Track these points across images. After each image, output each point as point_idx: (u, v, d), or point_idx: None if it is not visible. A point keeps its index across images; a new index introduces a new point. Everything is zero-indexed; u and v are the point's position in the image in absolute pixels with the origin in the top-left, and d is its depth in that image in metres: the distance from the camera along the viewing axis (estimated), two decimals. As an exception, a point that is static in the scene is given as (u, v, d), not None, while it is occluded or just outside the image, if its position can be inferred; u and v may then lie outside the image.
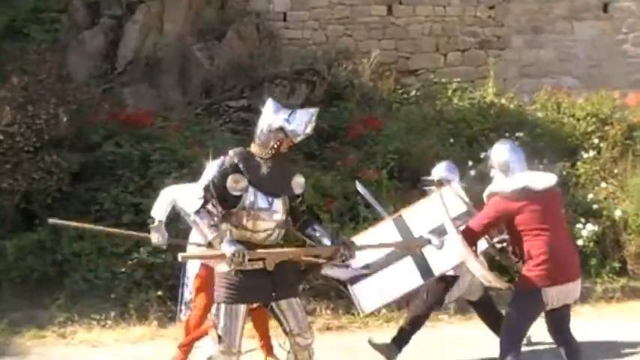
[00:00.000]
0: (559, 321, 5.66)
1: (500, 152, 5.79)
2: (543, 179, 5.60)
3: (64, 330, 8.15)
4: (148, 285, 8.66)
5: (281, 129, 4.90)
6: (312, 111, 5.16)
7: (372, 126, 11.66)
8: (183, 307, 7.59)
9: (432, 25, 14.46)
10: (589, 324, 8.44)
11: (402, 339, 6.77)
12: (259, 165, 4.92)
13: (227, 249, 4.65)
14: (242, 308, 4.82)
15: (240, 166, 4.84)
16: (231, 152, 4.96)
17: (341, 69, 12.97)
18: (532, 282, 5.32)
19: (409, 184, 9.97)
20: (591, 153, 11.42)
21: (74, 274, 8.88)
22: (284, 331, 5.05)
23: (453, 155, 10.21)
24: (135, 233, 7.00)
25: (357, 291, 6.21)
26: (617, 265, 9.91)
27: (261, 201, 4.88)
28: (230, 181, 4.77)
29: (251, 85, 11.68)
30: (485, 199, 5.67)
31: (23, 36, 11.25)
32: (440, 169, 7.33)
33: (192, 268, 6.76)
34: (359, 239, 6.57)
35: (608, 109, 12.23)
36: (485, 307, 7.11)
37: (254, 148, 4.99)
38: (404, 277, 6.17)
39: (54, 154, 9.63)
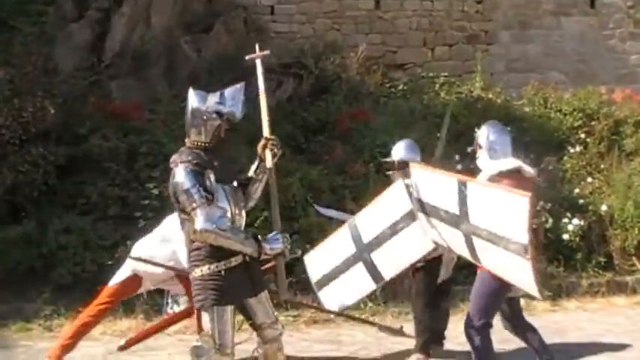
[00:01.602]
0: (517, 309, 5.83)
1: (490, 133, 5.84)
2: (530, 167, 5.78)
3: (50, 323, 8.15)
4: (134, 278, 8.64)
5: (217, 113, 4.75)
6: (239, 86, 4.95)
7: (359, 120, 11.66)
8: (170, 301, 7.59)
9: (419, 19, 14.47)
10: (574, 318, 8.52)
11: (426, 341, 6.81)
12: (209, 159, 4.74)
13: (277, 245, 4.70)
14: (230, 307, 4.70)
15: (200, 163, 4.66)
16: (178, 157, 4.71)
17: (328, 63, 12.94)
18: None
19: (396, 178, 9.97)
20: (578, 148, 11.48)
21: (60, 267, 8.86)
22: (251, 325, 4.95)
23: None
24: None
25: (322, 296, 6.61)
26: (602, 259, 9.98)
27: (229, 193, 4.77)
28: (208, 181, 4.62)
29: (238, 79, 11.63)
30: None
31: (9, 28, 11.18)
32: (399, 150, 7.16)
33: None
34: (318, 252, 6.78)
35: (594, 104, 12.30)
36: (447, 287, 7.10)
37: (192, 144, 4.79)
38: (359, 283, 6.42)
39: (40, 147, 9.61)
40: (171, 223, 6.24)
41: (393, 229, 6.14)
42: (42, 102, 9.87)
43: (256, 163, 5.03)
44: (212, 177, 4.65)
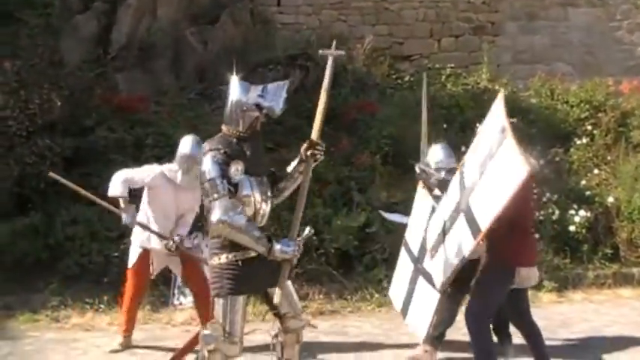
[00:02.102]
0: (520, 302, 5.76)
1: None
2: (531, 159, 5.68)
3: (57, 314, 8.17)
4: (141, 269, 8.66)
5: (257, 106, 4.78)
6: (283, 84, 4.98)
7: (365, 111, 11.66)
8: (176, 292, 7.63)
9: (425, 10, 14.44)
10: (580, 310, 8.52)
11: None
12: (242, 148, 4.77)
13: (288, 250, 4.62)
14: (242, 297, 4.73)
15: (229, 152, 4.69)
16: (209, 145, 4.76)
17: (335, 54, 12.92)
18: (508, 258, 5.38)
19: (403, 169, 9.98)
20: (584, 140, 11.45)
21: (67, 258, 8.89)
22: (275, 315, 4.99)
23: (446, 141, 10.24)
24: (112, 208, 7.14)
25: (409, 323, 6.46)
26: (609, 251, 9.96)
27: (255, 183, 4.78)
28: (233, 170, 4.63)
29: (244, 70, 11.65)
30: None
31: (15, 20, 11.18)
32: (437, 153, 6.89)
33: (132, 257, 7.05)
34: (394, 279, 6.85)
35: (601, 96, 12.26)
36: None
37: (228, 131, 4.84)
38: (427, 298, 6.23)
39: (47, 139, 9.63)
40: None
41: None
42: (48, 94, 9.89)
43: (296, 162, 5.03)
44: (240, 167, 4.67)
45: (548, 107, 12.24)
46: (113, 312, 8.18)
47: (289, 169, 5.08)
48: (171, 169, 7.01)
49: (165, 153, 9.68)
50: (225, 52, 12.25)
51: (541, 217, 9.80)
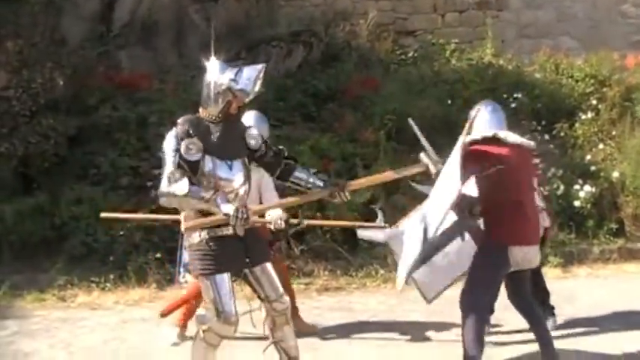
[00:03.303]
0: (520, 282, 5.56)
1: (482, 113, 5.67)
2: (516, 136, 5.49)
3: (64, 293, 8.20)
4: (146, 248, 8.70)
5: (228, 89, 4.71)
6: (259, 67, 4.85)
7: (369, 87, 11.62)
8: (182, 270, 7.64)
9: (429, -15, 14.34)
10: (585, 285, 8.52)
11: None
12: (209, 129, 4.73)
13: (226, 208, 4.54)
14: (225, 275, 4.69)
15: (191, 131, 4.67)
16: (180, 120, 4.77)
17: (338, 30, 12.89)
18: (500, 238, 5.23)
19: (407, 145, 9.96)
20: (589, 114, 11.40)
21: (73, 238, 8.90)
22: (259, 297, 4.94)
23: (450, 116, 10.23)
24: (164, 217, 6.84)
25: (420, 282, 6.03)
26: (614, 226, 9.94)
27: (220, 166, 4.71)
28: (184, 148, 4.62)
29: (247, 47, 11.63)
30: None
31: (16, -1, 11.16)
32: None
33: None
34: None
35: (606, 70, 12.19)
36: None
37: (202, 113, 4.81)
38: (459, 259, 5.86)
39: (50, 118, 9.63)
40: None
41: None
42: (51, 73, 9.88)
43: (321, 186, 4.97)
44: (194, 146, 4.63)
45: (553, 82, 12.18)
46: (119, 290, 8.23)
47: (316, 182, 5.00)
48: None
49: (169, 131, 9.67)
50: (229, 29, 12.21)
51: (546, 193, 9.78)
